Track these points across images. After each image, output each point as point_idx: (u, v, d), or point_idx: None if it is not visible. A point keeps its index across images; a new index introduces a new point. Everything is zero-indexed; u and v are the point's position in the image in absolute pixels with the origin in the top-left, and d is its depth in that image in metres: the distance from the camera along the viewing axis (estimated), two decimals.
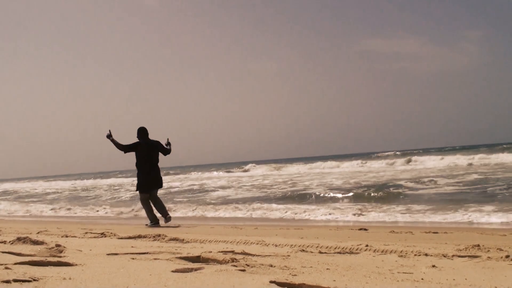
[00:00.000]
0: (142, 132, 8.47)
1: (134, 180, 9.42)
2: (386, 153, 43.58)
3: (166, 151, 8.62)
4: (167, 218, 8.43)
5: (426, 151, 47.26)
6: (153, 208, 8.56)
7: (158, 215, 8.59)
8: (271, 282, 2.57)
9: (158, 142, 8.57)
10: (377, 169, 27.42)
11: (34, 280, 2.43)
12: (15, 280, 2.38)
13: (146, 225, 8.42)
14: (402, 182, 15.69)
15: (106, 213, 13.00)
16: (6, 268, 2.69)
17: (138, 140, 8.48)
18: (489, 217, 8.24)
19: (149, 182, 8.46)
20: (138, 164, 8.49)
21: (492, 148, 35.43)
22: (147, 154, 8.44)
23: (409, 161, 30.19)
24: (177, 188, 21.14)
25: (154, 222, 8.42)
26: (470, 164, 25.30)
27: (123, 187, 25.51)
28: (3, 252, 3.60)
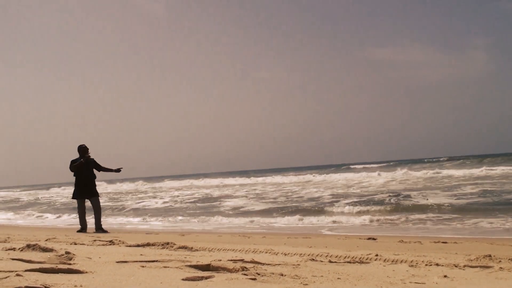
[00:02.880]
0: (82, 150, 9.63)
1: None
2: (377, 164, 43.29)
3: (100, 168, 9.77)
4: (98, 231, 9.26)
5: (437, 160, 47.07)
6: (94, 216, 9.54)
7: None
8: None
9: (93, 160, 9.70)
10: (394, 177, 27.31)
11: (46, 287, 2.43)
12: (27, 287, 2.38)
13: (78, 231, 9.28)
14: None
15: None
16: (18, 275, 2.69)
17: (78, 157, 9.63)
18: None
19: (83, 191, 9.56)
20: (76, 176, 9.64)
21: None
22: (85, 169, 9.57)
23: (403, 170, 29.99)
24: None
25: (82, 228, 9.45)
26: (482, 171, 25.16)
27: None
28: (13, 259, 3.61)
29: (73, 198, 9.68)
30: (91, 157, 9.66)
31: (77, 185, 9.59)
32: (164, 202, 19.50)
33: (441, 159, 52.09)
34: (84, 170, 9.54)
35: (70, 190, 10.65)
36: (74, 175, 9.65)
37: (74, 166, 9.51)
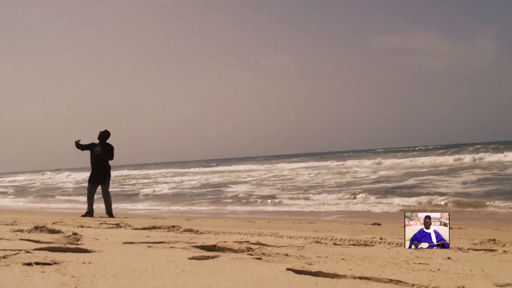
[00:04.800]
0: (100, 135, 9.62)
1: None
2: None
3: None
4: (110, 215, 9.41)
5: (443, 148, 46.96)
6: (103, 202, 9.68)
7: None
8: (288, 269, 2.59)
9: (111, 146, 9.68)
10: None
11: (55, 263, 2.47)
12: (37, 263, 2.42)
13: (82, 215, 9.24)
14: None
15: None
16: (27, 252, 2.74)
17: (95, 142, 9.64)
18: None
19: (96, 176, 9.61)
20: (91, 161, 9.69)
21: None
22: (100, 154, 9.54)
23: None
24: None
25: (88, 211, 9.42)
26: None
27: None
28: (21, 240, 3.66)
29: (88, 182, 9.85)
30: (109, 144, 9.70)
31: (91, 171, 9.75)
32: (168, 188, 19.61)
33: (444, 146, 51.94)
34: (99, 158, 9.62)
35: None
36: (90, 161, 9.79)
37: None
